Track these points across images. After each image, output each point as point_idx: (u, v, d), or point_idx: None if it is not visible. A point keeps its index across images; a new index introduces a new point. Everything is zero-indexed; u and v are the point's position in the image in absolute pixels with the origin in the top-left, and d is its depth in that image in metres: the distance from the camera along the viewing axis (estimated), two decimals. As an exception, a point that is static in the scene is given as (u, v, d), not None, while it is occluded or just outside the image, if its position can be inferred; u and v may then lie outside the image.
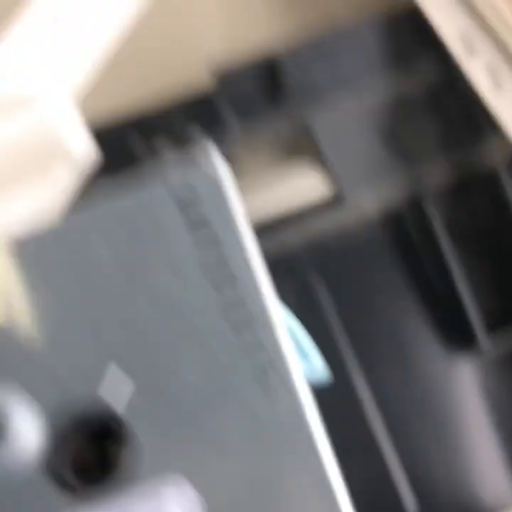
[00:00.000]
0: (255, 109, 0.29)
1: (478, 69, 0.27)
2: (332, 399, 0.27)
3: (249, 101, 0.29)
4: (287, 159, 0.30)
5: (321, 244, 0.30)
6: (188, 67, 0.30)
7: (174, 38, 0.31)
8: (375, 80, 0.29)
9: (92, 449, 0.19)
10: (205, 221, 0.20)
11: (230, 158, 0.27)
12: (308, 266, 0.30)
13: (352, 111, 0.29)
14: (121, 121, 0.29)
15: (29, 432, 0.18)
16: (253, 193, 0.28)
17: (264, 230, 0.28)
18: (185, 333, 0.19)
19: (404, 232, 0.30)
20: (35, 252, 0.19)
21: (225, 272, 0.19)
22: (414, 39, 0.29)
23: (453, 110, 0.29)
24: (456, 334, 0.29)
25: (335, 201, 0.29)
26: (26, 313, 0.19)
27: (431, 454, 0.28)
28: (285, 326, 0.19)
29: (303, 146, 0.29)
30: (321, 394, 0.26)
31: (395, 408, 0.28)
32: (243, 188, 0.27)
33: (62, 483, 0.18)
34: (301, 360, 0.26)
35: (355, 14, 0.30)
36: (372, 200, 0.29)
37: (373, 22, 0.29)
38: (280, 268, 0.28)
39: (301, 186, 0.29)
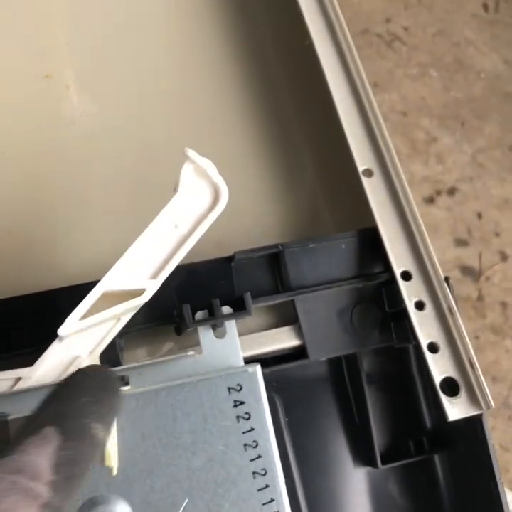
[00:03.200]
0: (261, 284, 0.42)
1: (408, 291, 0.41)
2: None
3: (257, 277, 0.42)
4: (273, 317, 0.43)
5: (283, 373, 0.43)
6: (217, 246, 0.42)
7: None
8: (341, 277, 0.42)
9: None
10: (243, 402, 0.32)
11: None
12: (273, 389, 0.43)
13: (323, 296, 0.42)
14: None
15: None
16: (251, 341, 0.41)
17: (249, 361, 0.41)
18: (224, 475, 0.31)
19: (341, 375, 0.44)
20: (135, 407, 0.31)
21: (252, 436, 0.32)
22: (372, 251, 0.43)
23: (388, 305, 0.43)
24: (365, 455, 0.43)
25: (301, 352, 0.42)
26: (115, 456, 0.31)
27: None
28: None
29: (288, 313, 0.42)
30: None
31: (319, 499, 0.42)
32: (244, 338, 0.40)
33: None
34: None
35: (336, 225, 0.44)
36: (327, 356, 0.42)
37: (347, 236, 0.43)
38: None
39: (282, 340, 0.42)
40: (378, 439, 0.43)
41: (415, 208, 0.43)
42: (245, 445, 0.32)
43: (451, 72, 0.83)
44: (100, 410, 0.28)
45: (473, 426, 0.40)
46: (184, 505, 0.31)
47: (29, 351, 0.38)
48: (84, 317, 0.34)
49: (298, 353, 0.42)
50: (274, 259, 0.42)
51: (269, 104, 0.49)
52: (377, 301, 0.43)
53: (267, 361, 0.42)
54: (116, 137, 0.46)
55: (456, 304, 0.41)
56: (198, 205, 0.36)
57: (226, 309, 0.39)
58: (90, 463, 0.27)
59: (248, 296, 0.39)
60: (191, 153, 0.36)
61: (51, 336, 0.36)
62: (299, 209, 0.47)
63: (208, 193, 0.37)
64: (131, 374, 0.35)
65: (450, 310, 0.41)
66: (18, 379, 0.36)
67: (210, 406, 0.32)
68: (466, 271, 0.74)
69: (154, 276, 0.35)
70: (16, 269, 0.42)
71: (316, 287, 0.42)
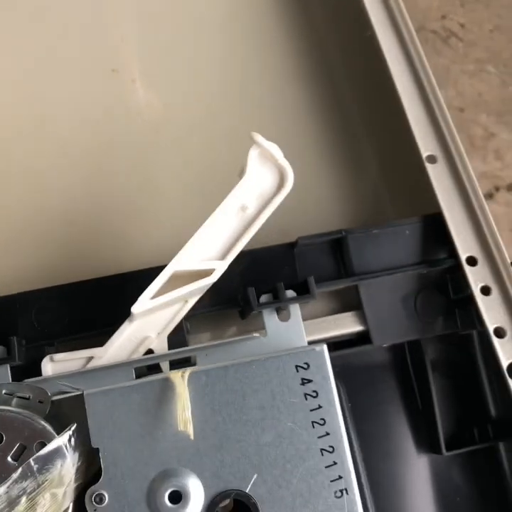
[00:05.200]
0: (324, 269, 0.42)
1: (474, 277, 0.41)
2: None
3: (320, 262, 0.42)
4: (340, 305, 0.43)
5: (346, 358, 0.43)
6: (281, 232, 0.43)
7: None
8: (405, 263, 0.42)
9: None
10: (310, 380, 0.33)
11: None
12: (336, 374, 0.43)
13: (387, 282, 0.42)
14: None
15: (196, 501, 0.31)
16: (314, 327, 0.41)
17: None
18: (292, 451, 0.32)
19: (404, 362, 0.44)
20: (205, 383, 0.32)
21: (319, 414, 0.32)
22: (436, 237, 0.43)
23: (453, 291, 0.42)
24: (429, 441, 0.43)
25: (364, 338, 0.42)
26: (196, 424, 0.31)
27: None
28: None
29: (352, 299, 0.42)
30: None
31: (381, 483, 0.42)
32: (307, 323, 0.40)
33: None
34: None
35: (397, 212, 0.44)
36: (391, 342, 0.42)
37: (411, 222, 0.43)
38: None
39: (346, 325, 0.42)
40: (442, 426, 0.42)
41: (480, 192, 0.43)
42: (313, 422, 0.32)
43: (510, 68, 0.82)
44: None
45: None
46: (253, 480, 0.32)
47: (102, 332, 0.39)
48: (155, 296, 0.35)
49: (361, 339, 0.43)
50: (337, 245, 0.42)
51: (329, 93, 0.50)
52: (442, 288, 0.43)
53: (329, 347, 0.42)
54: (181, 126, 0.47)
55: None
56: (265, 188, 0.37)
57: (290, 293, 0.40)
58: None
59: (312, 280, 0.40)
60: (258, 137, 0.36)
61: (123, 318, 0.38)
62: (360, 196, 0.47)
63: (274, 175, 0.37)
64: (198, 354, 0.36)
65: (517, 295, 0.41)
66: (91, 358, 0.37)
67: (278, 383, 0.33)
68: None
69: (222, 257, 0.36)
70: (93, 253, 0.43)
71: (380, 273, 0.42)
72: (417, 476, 0.43)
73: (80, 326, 0.39)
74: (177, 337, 0.39)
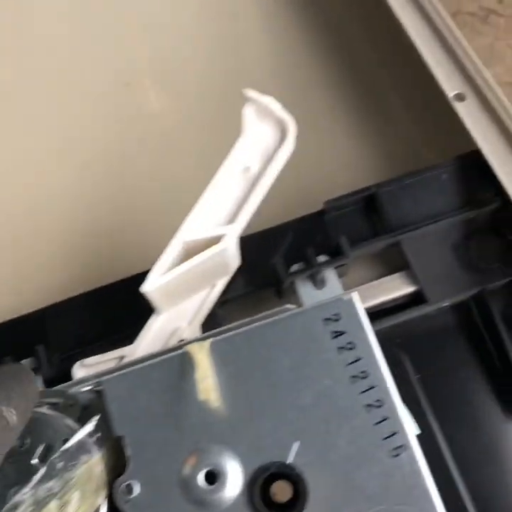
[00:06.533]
0: (358, 231, 0.39)
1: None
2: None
3: (349, 222, 0.39)
4: (383, 268, 0.40)
5: (407, 327, 0.39)
6: (302, 196, 0.40)
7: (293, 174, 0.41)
8: (449, 209, 0.38)
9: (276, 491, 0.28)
10: (342, 332, 0.29)
11: (343, 268, 0.37)
12: (397, 346, 0.39)
13: (432, 233, 0.38)
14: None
15: (234, 478, 0.28)
16: (361, 294, 0.38)
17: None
18: (334, 411, 0.28)
19: (471, 321, 0.39)
20: (228, 351, 0.29)
21: (359, 367, 0.29)
22: (479, 176, 0.39)
23: (509, 230, 0.38)
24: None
25: (419, 299, 0.38)
26: (223, 396, 0.29)
27: (493, 488, 0.37)
28: (403, 408, 0.29)
29: (396, 260, 0.39)
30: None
31: (465, 453, 0.37)
32: (352, 288, 0.37)
33: (256, 510, 0.27)
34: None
35: (434, 153, 0.40)
36: (447, 297, 0.38)
37: (447, 165, 0.39)
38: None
39: (396, 288, 0.38)
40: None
41: (517, 122, 0.39)
42: (353, 377, 0.29)
43: (560, 31, 0.76)
44: (11, 396, 0.26)
45: None
46: (295, 448, 0.28)
47: (132, 332, 0.37)
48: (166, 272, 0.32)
49: (416, 301, 0.39)
50: (370, 203, 0.39)
51: (350, 49, 0.47)
52: (495, 230, 0.39)
53: (381, 315, 0.39)
54: (196, 128, 0.46)
55: None
56: (266, 144, 0.35)
57: (322, 258, 0.37)
58: (3, 448, 0.25)
59: (344, 239, 0.37)
60: (250, 93, 0.34)
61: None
62: (392, 150, 0.44)
63: (274, 130, 0.35)
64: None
65: None
66: (122, 357, 0.36)
67: (307, 340, 0.29)
68: None
69: (232, 221, 0.34)
70: (109, 256, 0.42)
71: (422, 223, 0.38)
72: (508, 443, 0.38)
73: (109, 329, 0.37)
74: (212, 325, 0.37)
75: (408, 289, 0.38)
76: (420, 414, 0.38)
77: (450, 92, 0.40)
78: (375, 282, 0.39)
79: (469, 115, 0.39)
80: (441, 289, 0.38)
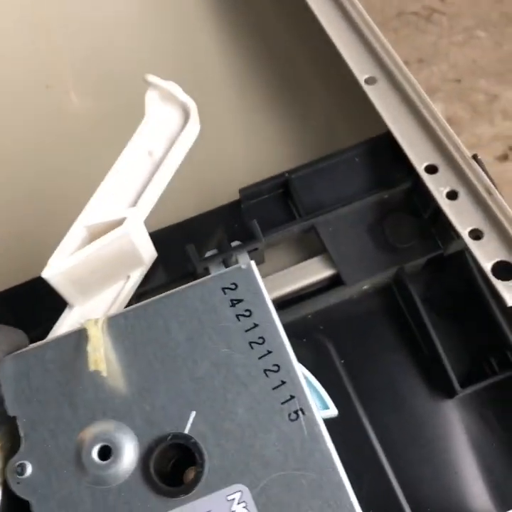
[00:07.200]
0: (271, 215, 0.39)
1: (436, 184, 0.37)
2: (344, 433, 0.35)
3: (266, 208, 0.39)
4: (302, 254, 0.39)
5: (329, 314, 0.39)
6: (221, 186, 0.40)
7: (210, 165, 0.41)
8: (362, 191, 0.39)
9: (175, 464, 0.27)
10: (240, 300, 0.29)
11: (258, 253, 0.37)
12: (321, 332, 0.39)
13: (347, 216, 0.38)
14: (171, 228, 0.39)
15: (129, 452, 0.27)
16: (279, 280, 0.38)
17: (287, 306, 0.38)
18: (232, 378, 0.28)
19: (395, 305, 0.39)
20: (125, 325, 0.29)
21: (256, 333, 0.28)
22: (391, 156, 0.39)
23: (422, 209, 0.38)
24: (439, 384, 0.37)
25: (338, 282, 0.38)
26: (118, 371, 0.28)
27: (423, 473, 0.36)
28: (301, 372, 0.28)
29: (315, 246, 0.39)
30: (335, 427, 0.35)
31: (392, 437, 0.36)
32: (271, 277, 0.37)
33: (152, 485, 0.27)
34: (316, 400, 0.35)
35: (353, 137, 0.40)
36: (364, 278, 0.38)
37: (359, 147, 0.39)
38: (300, 333, 0.38)
39: (313, 272, 0.38)
40: (452, 364, 0.37)
41: (428, 100, 0.39)
42: (251, 343, 0.28)
43: (500, 27, 0.78)
44: None
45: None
46: (192, 418, 0.28)
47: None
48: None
49: (335, 284, 0.38)
50: (284, 189, 0.39)
51: (262, 32, 0.48)
52: (410, 209, 0.39)
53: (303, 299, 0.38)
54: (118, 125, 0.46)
55: (493, 183, 0.36)
56: (169, 128, 0.35)
57: (235, 243, 0.37)
58: None
59: (254, 223, 0.36)
60: (152, 78, 0.35)
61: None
62: (309, 136, 0.44)
63: (176, 114, 0.35)
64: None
65: (487, 190, 0.36)
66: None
67: (205, 310, 0.29)
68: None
69: (134, 204, 0.34)
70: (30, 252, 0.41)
71: (335, 206, 0.38)
72: (435, 424, 0.37)
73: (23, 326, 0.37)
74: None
75: (326, 272, 0.38)
76: (346, 400, 0.37)
77: (361, 76, 0.41)
78: (292, 267, 0.38)
79: (378, 97, 0.40)
80: (358, 271, 0.38)
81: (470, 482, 0.36)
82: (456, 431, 0.37)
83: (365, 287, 0.39)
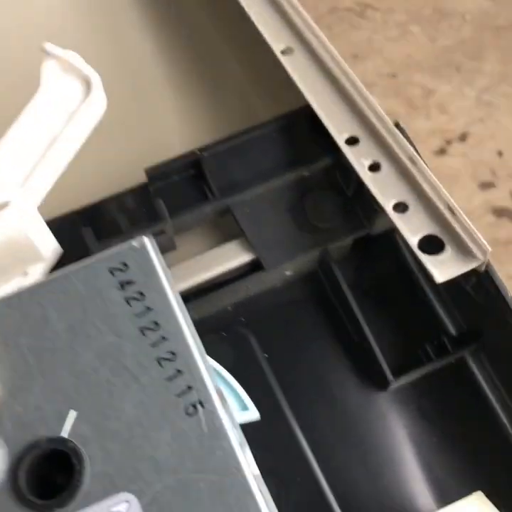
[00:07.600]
0: (183, 197, 0.35)
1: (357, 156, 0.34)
2: (268, 434, 0.32)
3: (177, 191, 0.35)
4: (218, 238, 0.36)
5: (251, 305, 0.35)
6: (126, 167, 0.37)
7: (113, 144, 0.37)
8: (281, 168, 0.35)
9: (50, 473, 0.23)
10: (131, 281, 0.25)
11: (165, 236, 0.33)
12: (243, 325, 0.35)
13: (264, 195, 0.35)
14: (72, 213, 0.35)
15: (-1, 461, 0.23)
16: (190, 266, 0.34)
17: (202, 294, 0.34)
18: (120, 370, 0.24)
19: (320, 291, 0.36)
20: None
21: (149, 317, 0.25)
22: (311, 131, 0.36)
23: (345, 185, 0.35)
24: (371, 376, 0.34)
25: (258, 268, 0.34)
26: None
27: (357, 474, 0.32)
28: (205, 360, 0.24)
29: (231, 227, 0.35)
30: (257, 428, 0.31)
31: (322, 437, 0.33)
32: (184, 264, 0.33)
33: (21, 499, 0.22)
34: (234, 400, 0.31)
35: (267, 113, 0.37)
36: (287, 262, 0.34)
37: (276, 122, 0.36)
38: (220, 326, 0.34)
39: (229, 258, 0.34)
40: (384, 352, 0.33)
41: (347, 68, 0.36)
42: (143, 329, 0.25)
43: (434, 23, 0.77)
44: None
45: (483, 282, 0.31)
46: (71, 418, 0.23)
47: None
48: None
49: (255, 269, 0.35)
50: (196, 170, 0.36)
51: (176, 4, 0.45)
52: (332, 187, 0.36)
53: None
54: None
55: (417, 152, 0.33)
56: (68, 101, 0.31)
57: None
58: None
59: (159, 201, 0.33)
60: (50, 47, 0.31)
61: None
62: (227, 108, 0.40)
63: (76, 86, 0.31)
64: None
65: (411, 159, 0.33)
66: None
67: (90, 295, 0.25)
68: (501, 212, 0.64)
69: (23, 185, 0.30)
70: None
71: (251, 185, 0.35)
72: (368, 418, 0.34)
73: None
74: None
75: (244, 257, 0.35)
76: (270, 398, 0.33)
77: (277, 47, 0.37)
78: (207, 253, 0.35)
79: (296, 69, 0.37)
80: (278, 254, 0.34)
81: (409, 481, 0.32)
82: (392, 426, 0.33)
83: (288, 273, 0.35)
